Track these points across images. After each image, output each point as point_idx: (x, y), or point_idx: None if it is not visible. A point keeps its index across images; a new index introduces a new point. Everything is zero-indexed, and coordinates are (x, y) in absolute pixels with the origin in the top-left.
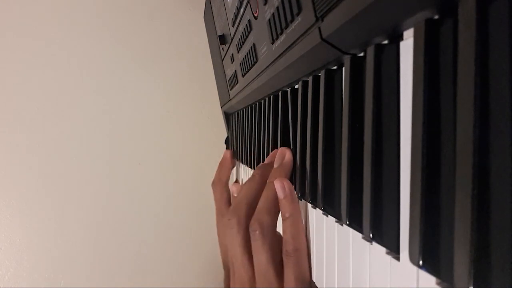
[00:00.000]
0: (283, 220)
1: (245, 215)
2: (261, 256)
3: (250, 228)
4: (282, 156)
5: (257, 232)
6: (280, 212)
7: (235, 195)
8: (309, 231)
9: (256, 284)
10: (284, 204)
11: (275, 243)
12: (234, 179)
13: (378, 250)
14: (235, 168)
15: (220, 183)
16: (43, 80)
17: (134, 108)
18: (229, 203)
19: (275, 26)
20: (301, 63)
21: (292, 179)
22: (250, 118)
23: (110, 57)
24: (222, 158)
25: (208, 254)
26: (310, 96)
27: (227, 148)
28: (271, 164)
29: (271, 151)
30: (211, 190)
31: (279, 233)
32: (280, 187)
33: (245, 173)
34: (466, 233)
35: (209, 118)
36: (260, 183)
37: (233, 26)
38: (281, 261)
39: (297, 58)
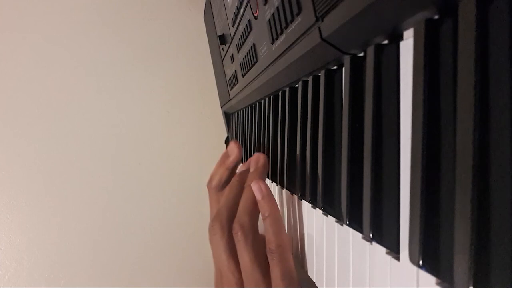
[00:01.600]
0: (263, 219)
1: (227, 220)
2: (245, 256)
3: (232, 231)
4: (257, 160)
5: (239, 233)
6: (260, 212)
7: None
8: (306, 230)
9: (244, 285)
10: (263, 205)
11: (259, 244)
12: None
13: (378, 250)
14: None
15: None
16: (43, 80)
17: (134, 108)
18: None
19: (275, 26)
20: (301, 63)
21: (292, 179)
22: (250, 118)
23: (110, 57)
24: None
25: (208, 254)
26: (310, 96)
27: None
28: (248, 169)
29: (271, 151)
30: None
31: (263, 234)
32: (257, 189)
33: None
34: (466, 233)
35: (209, 118)
36: (239, 188)
37: (233, 26)
38: (267, 260)
39: (297, 58)
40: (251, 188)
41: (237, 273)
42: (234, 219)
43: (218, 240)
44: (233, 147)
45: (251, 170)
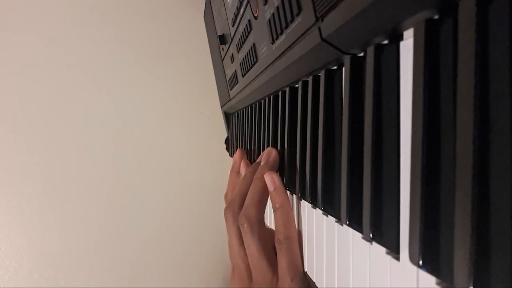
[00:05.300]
0: (274, 210)
1: (239, 208)
2: (252, 247)
3: (239, 223)
4: (269, 155)
5: (245, 225)
6: (271, 204)
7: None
8: (305, 228)
9: (251, 274)
10: (274, 196)
11: (265, 235)
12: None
13: (378, 250)
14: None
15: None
16: (43, 80)
17: (134, 108)
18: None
19: (275, 26)
20: (301, 63)
21: (292, 179)
22: (250, 118)
23: (110, 57)
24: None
25: (208, 254)
26: (310, 96)
27: (226, 148)
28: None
29: None
30: (211, 190)
31: (269, 227)
32: (270, 180)
33: None
34: (466, 233)
35: (209, 118)
36: (251, 179)
37: (233, 26)
38: (274, 250)
39: (297, 58)
40: (259, 181)
41: (247, 260)
42: None
43: (231, 226)
44: (236, 154)
45: (262, 163)
